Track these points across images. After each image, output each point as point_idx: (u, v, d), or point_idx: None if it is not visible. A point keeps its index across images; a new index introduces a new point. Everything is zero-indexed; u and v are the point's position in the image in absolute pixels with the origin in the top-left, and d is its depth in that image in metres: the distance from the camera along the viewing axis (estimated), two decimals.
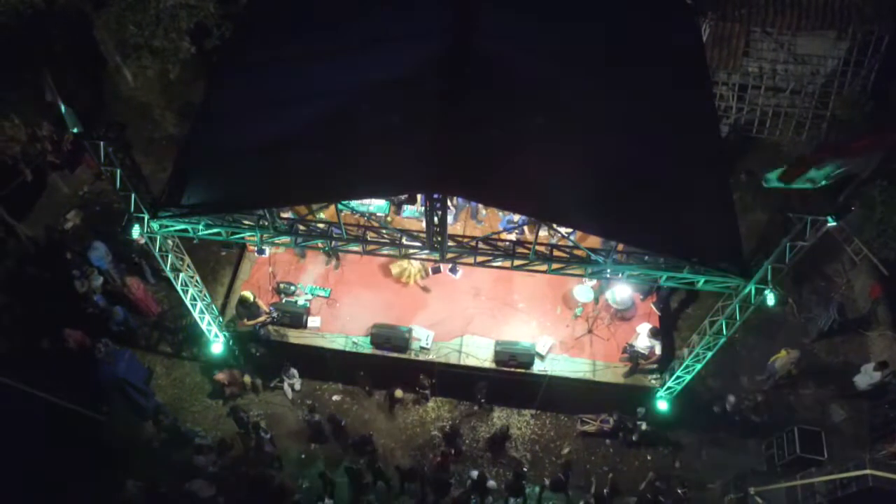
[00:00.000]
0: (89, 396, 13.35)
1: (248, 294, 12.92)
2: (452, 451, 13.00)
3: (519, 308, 13.90)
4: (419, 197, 14.23)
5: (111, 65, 18.14)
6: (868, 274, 15.43)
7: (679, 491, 12.47)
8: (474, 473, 12.63)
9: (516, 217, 13.47)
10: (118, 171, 9.08)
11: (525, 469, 13.13)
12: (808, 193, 9.75)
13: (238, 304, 13.03)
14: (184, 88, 17.50)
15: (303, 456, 13.60)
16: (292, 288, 13.89)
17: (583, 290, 13.53)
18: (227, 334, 13.33)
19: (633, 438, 13.40)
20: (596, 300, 13.60)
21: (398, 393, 13.84)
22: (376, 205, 14.54)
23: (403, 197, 14.50)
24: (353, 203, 13.29)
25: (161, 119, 18.01)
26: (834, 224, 7.99)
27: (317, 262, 14.43)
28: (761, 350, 14.71)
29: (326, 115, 9.86)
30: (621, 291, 13.19)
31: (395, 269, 13.96)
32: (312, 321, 13.47)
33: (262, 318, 12.87)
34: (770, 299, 9.32)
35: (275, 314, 13.06)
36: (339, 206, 9.95)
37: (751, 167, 16.95)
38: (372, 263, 14.08)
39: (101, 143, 8.64)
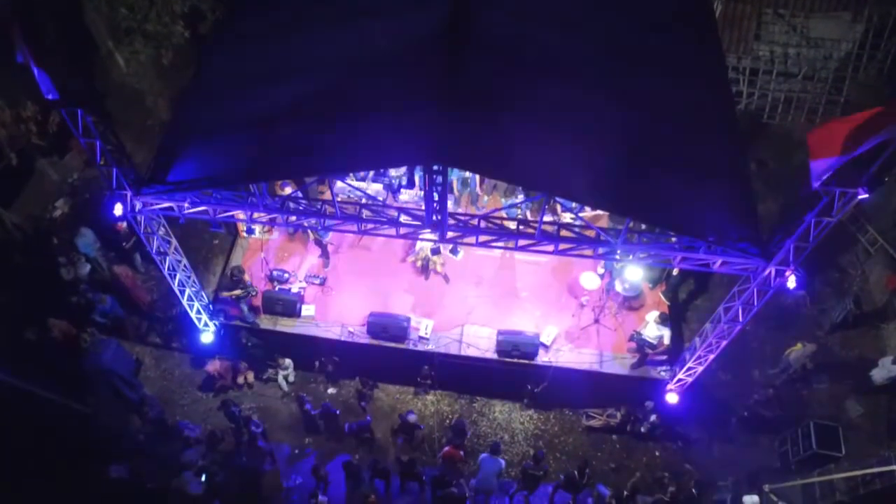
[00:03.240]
0: (74, 388, 12.79)
1: (238, 265, 12.94)
2: (462, 452, 12.34)
3: (522, 297, 13.38)
4: (417, 180, 13.71)
5: (103, 50, 17.62)
6: (884, 265, 14.82)
7: (693, 491, 11.91)
8: (473, 482, 12.01)
9: (519, 197, 12.94)
10: (97, 143, 8.56)
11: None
12: None
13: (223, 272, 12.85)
14: (177, 74, 16.98)
15: (296, 450, 13.04)
16: (286, 275, 13.37)
17: (589, 278, 12.98)
18: (217, 323, 12.83)
19: (642, 430, 12.83)
20: (608, 292, 13.04)
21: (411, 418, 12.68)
22: (373, 188, 14.00)
23: (403, 182, 13.99)
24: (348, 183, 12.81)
25: (154, 106, 17.52)
26: (865, 196, 7.37)
27: (311, 248, 13.89)
28: (773, 343, 14.14)
29: (321, 87, 9.38)
30: (632, 274, 12.51)
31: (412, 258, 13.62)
32: (306, 309, 12.95)
33: (237, 291, 12.53)
34: (791, 281, 8.75)
35: (252, 291, 12.68)
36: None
37: (762, 155, 16.40)
38: (368, 249, 13.56)
39: (79, 112, 8.14)
